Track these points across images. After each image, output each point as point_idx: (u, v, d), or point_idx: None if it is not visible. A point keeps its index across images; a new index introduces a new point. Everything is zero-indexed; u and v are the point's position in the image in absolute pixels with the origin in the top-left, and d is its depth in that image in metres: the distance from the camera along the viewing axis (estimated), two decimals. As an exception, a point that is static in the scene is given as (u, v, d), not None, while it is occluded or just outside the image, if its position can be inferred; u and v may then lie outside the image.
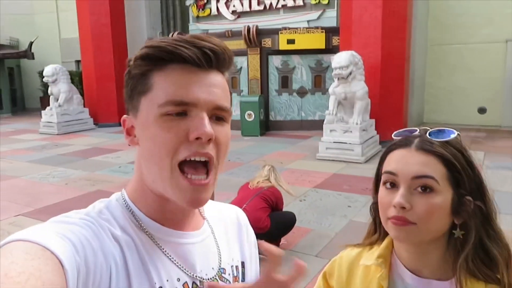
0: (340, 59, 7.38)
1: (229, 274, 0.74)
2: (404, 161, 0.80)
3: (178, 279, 0.66)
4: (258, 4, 12.14)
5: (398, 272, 0.88)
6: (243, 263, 0.79)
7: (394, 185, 0.81)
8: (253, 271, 0.82)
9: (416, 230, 0.78)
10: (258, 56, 10.94)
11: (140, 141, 0.65)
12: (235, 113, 11.26)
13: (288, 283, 0.57)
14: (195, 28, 13.26)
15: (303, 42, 10.49)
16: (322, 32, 10.44)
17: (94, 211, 0.65)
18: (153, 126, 0.61)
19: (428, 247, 0.83)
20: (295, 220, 3.86)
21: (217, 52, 0.63)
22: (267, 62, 11.07)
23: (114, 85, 12.33)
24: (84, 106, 12.57)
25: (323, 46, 10.45)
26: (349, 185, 5.81)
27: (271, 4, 11.94)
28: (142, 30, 13.71)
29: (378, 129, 8.28)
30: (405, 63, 9.09)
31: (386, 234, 0.90)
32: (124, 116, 0.69)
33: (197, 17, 13.19)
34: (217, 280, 0.71)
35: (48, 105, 12.01)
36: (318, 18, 11.39)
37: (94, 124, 12.51)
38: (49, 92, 12.02)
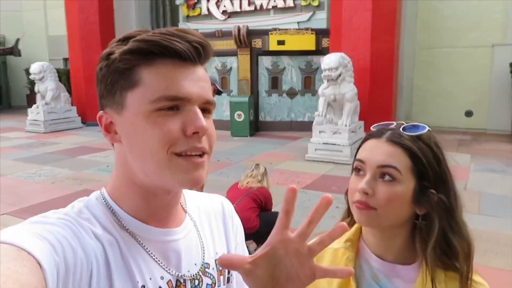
0: (329, 61, 7.41)
1: (213, 269, 0.73)
2: (373, 151, 0.86)
3: (162, 277, 0.65)
4: (249, 4, 12.13)
5: (365, 256, 0.92)
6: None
7: (362, 172, 0.87)
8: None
9: (376, 215, 0.83)
10: (248, 56, 10.94)
11: (127, 137, 0.63)
12: (225, 113, 11.25)
13: (302, 238, 0.59)
14: (185, 27, 13.15)
15: (293, 43, 10.52)
16: (312, 33, 10.48)
17: (73, 210, 0.64)
18: (145, 122, 0.60)
19: (392, 233, 0.88)
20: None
21: (205, 46, 0.63)
22: (257, 63, 11.07)
23: (103, 83, 12.16)
24: (72, 105, 12.42)
25: (313, 48, 10.49)
26: (337, 186, 5.84)
27: (261, 5, 11.95)
28: (131, 29, 12.93)
29: (367, 130, 8.27)
30: (394, 66, 9.18)
31: None
32: (101, 112, 0.66)
33: (187, 16, 13.13)
34: (200, 276, 0.70)
35: (35, 103, 11.84)
36: (308, 19, 11.43)
37: (82, 122, 12.37)
38: (35, 89, 11.84)
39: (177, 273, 0.67)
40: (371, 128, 0.93)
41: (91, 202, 0.66)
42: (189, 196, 0.79)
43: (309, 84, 11.03)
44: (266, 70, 11.11)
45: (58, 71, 12.48)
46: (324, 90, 7.69)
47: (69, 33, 12.89)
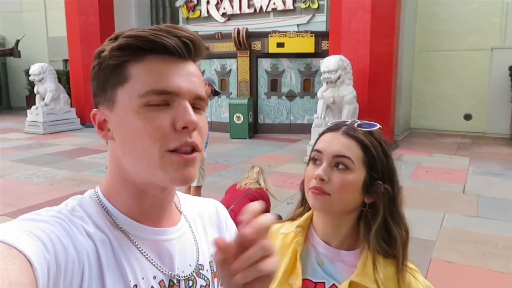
0: (329, 63, 7.43)
1: (207, 270, 0.73)
2: (330, 142, 0.95)
3: (154, 277, 0.65)
4: (248, 7, 12.16)
5: (312, 242, 1.00)
6: None
7: (318, 161, 0.95)
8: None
9: (329, 200, 0.91)
10: (248, 58, 10.95)
11: (118, 133, 0.63)
12: (224, 116, 11.25)
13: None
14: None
15: (293, 45, 10.54)
16: (312, 36, 10.50)
17: (66, 208, 0.63)
18: (135, 118, 0.60)
19: (341, 219, 0.96)
20: (282, 222, 3.86)
21: (195, 42, 0.63)
22: (257, 65, 11.08)
23: (102, 85, 12.19)
24: (71, 106, 12.41)
25: (312, 50, 10.51)
26: (336, 188, 5.82)
27: (261, 7, 11.98)
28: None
29: (365, 133, 8.32)
30: (393, 69, 9.19)
31: (309, 208, 1.02)
32: (94, 110, 0.66)
33: (187, 18, 13.16)
34: (194, 277, 0.70)
35: (34, 104, 11.84)
36: (308, 22, 11.46)
37: (81, 124, 12.36)
38: (35, 91, 11.84)
39: (170, 272, 0.66)
40: (328, 123, 1.03)
41: (85, 200, 0.66)
42: (184, 199, 0.79)
43: (308, 86, 11.04)
44: (266, 72, 11.13)
45: (58, 72, 12.48)
46: (323, 92, 7.70)
47: (69, 34, 12.90)
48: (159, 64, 0.61)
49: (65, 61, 16.00)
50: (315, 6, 11.34)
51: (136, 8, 13.92)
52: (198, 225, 0.77)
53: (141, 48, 0.60)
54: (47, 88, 11.56)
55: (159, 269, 0.66)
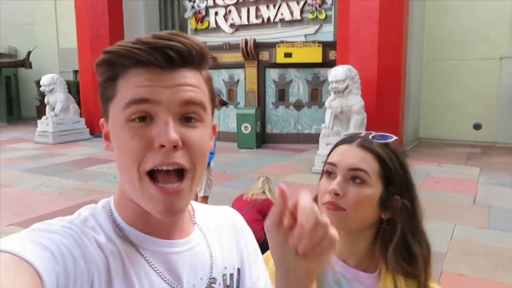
0: (336, 73, 7.43)
1: (219, 284, 0.70)
2: (344, 155, 0.91)
3: None
4: (256, 17, 12.25)
5: (330, 261, 0.94)
6: (239, 270, 0.75)
7: (333, 175, 0.91)
8: (252, 276, 0.77)
9: (345, 216, 0.87)
10: (256, 69, 11.01)
11: (114, 148, 0.63)
12: (232, 125, 11.28)
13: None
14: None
15: (300, 55, 10.57)
16: (319, 46, 10.53)
17: (78, 218, 0.63)
18: (119, 134, 0.59)
19: (357, 236, 0.91)
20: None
21: (179, 50, 0.58)
22: (264, 75, 11.12)
23: (111, 95, 12.34)
24: (81, 116, 12.54)
25: (320, 60, 10.53)
26: (344, 199, 5.78)
27: (269, 18, 12.06)
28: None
29: (374, 143, 8.28)
30: (401, 79, 9.16)
31: None
32: (102, 120, 0.66)
33: (196, 29, 13.28)
34: None
35: (44, 114, 11.98)
36: (316, 32, 11.50)
37: (90, 134, 12.47)
38: (45, 101, 12.00)
39: (179, 286, 0.65)
40: (342, 135, 0.98)
41: (97, 210, 0.66)
42: (198, 209, 0.77)
43: (316, 96, 11.05)
44: (273, 82, 11.16)
45: (68, 83, 12.65)
46: (331, 102, 7.69)
47: (80, 46, 13.10)
48: (142, 76, 0.58)
49: (75, 72, 16.22)
50: (323, 16, 11.39)
51: (145, 20, 14.10)
52: (213, 236, 0.74)
53: (121, 63, 0.59)
54: (57, 98, 11.71)
55: (168, 283, 0.64)
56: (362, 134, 0.95)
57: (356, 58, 8.67)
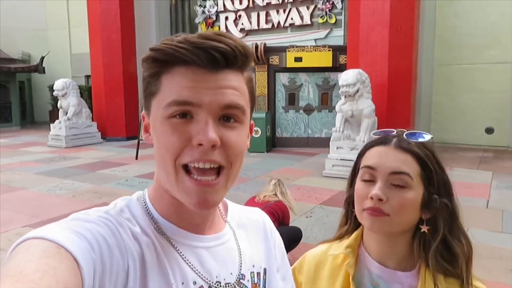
0: (347, 77, 7.43)
1: (248, 281, 0.72)
2: (383, 157, 0.87)
3: (194, 283, 0.65)
4: (266, 22, 12.32)
5: (365, 262, 0.93)
6: (265, 270, 0.76)
7: (371, 179, 0.87)
8: (279, 279, 0.79)
9: (389, 221, 0.84)
10: (266, 73, 11.06)
11: (153, 140, 0.65)
12: (242, 129, 11.31)
13: None
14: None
15: (310, 60, 10.59)
16: (329, 50, 10.55)
17: (114, 209, 0.65)
18: (159, 128, 0.61)
19: (397, 239, 0.89)
20: (301, 235, 3.84)
21: (224, 52, 0.59)
22: (274, 79, 11.17)
23: (123, 99, 12.50)
24: (93, 120, 12.69)
25: (330, 64, 10.54)
26: (355, 202, 5.76)
27: (279, 22, 12.12)
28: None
29: (385, 147, 8.25)
30: (412, 82, 9.13)
31: (356, 226, 0.96)
32: (143, 112, 0.68)
33: (206, 34, 13.39)
34: (234, 285, 0.69)
35: (57, 118, 12.15)
36: (326, 36, 11.53)
37: (102, 138, 12.61)
38: (58, 105, 12.17)
39: (210, 279, 0.66)
40: (372, 134, 0.95)
41: (133, 202, 0.68)
42: (231, 208, 0.79)
43: (326, 100, 11.05)
44: (283, 86, 11.19)
45: (80, 87, 12.83)
46: (342, 106, 7.69)
47: (92, 51, 13.28)
48: (186, 76, 0.60)
49: (87, 76, 16.43)
50: (333, 21, 11.41)
51: (156, 25, 14.27)
52: (242, 234, 0.76)
53: (166, 60, 0.61)
54: (70, 103, 11.88)
55: (199, 275, 0.66)
56: (395, 133, 0.91)
57: (366, 62, 8.67)
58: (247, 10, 12.55)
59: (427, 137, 0.89)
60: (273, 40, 11.72)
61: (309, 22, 11.73)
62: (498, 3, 10.56)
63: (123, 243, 0.59)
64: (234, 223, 0.76)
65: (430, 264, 0.84)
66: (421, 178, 0.85)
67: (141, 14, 13.48)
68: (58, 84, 11.70)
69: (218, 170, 0.61)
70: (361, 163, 0.92)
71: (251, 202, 3.86)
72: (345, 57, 10.13)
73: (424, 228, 0.87)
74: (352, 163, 0.94)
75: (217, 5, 13.06)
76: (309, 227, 4.76)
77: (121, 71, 12.55)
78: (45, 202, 6.00)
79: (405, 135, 0.89)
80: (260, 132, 10.40)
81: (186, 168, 0.60)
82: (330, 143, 7.79)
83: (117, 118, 12.59)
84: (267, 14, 12.29)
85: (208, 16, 13.28)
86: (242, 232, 0.76)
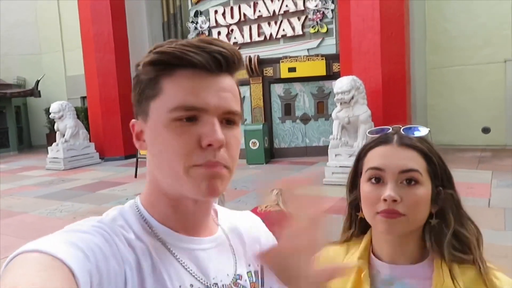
0: (341, 84, 7.49)
1: (245, 280, 0.73)
2: (389, 157, 0.85)
3: (191, 285, 0.65)
4: (259, 35, 12.44)
5: (376, 268, 0.91)
6: (262, 268, 0.77)
7: (379, 180, 0.85)
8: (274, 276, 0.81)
9: (406, 221, 0.83)
10: (261, 85, 11.12)
11: (151, 145, 0.65)
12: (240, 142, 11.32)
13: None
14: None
15: (304, 69, 10.67)
16: (322, 59, 10.63)
17: (107, 218, 0.66)
18: (164, 131, 0.61)
19: (409, 237, 0.87)
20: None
21: (226, 56, 0.62)
22: (270, 91, 11.23)
23: (119, 119, 12.50)
24: (90, 141, 12.69)
25: (324, 73, 10.62)
26: (357, 208, 5.75)
27: (271, 34, 12.24)
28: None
29: (383, 152, 8.27)
30: (406, 86, 9.20)
31: (361, 230, 0.94)
32: (133, 120, 0.68)
33: (199, 50, 13.50)
34: (232, 286, 0.70)
35: (54, 141, 12.14)
36: (318, 46, 11.63)
37: (100, 158, 12.59)
38: (55, 128, 12.18)
39: (206, 281, 0.67)
40: (368, 134, 0.94)
41: (125, 210, 0.68)
42: (221, 212, 0.80)
43: (322, 109, 11.10)
44: (279, 97, 11.25)
45: (76, 109, 12.84)
46: (338, 113, 7.72)
47: (87, 72, 13.36)
48: (189, 79, 0.61)
49: (83, 98, 16.49)
50: (324, 30, 11.53)
51: (150, 43, 14.35)
52: (235, 236, 0.77)
53: (170, 63, 0.61)
54: (67, 124, 11.88)
55: (196, 278, 0.66)
56: (391, 130, 0.90)
57: (359, 69, 8.75)
58: (239, 24, 12.68)
59: (424, 130, 0.89)
60: (266, 52, 11.82)
61: (301, 33, 11.84)
62: (485, 4, 10.72)
63: (119, 252, 0.59)
64: (226, 226, 0.77)
65: (446, 256, 0.83)
66: (428, 173, 0.85)
67: (134, 33, 13.60)
68: (54, 107, 11.72)
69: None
70: (363, 165, 0.90)
71: (253, 213, 3.85)
72: (338, 65, 10.21)
73: (434, 222, 0.86)
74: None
75: (209, 21, 13.20)
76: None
77: (116, 91, 12.59)
78: (46, 225, 5.96)
79: (403, 130, 0.88)
80: (258, 144, 10.41)
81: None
82: (329, 150, 7.80)
83: (115, 137, 12.58)
84: (259, 27, 12.42)
85: (200, 32, 13.40)
86: (234, 234, 0.77)
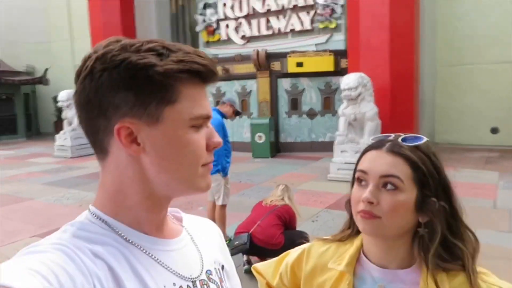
0: (349, 81, 7.46)
1: (215, 275, 0.77)
2: (375, 161, 0.89)
3: (174, 284, 0.66)
4: (267, 29, 12.38)
5: (368, 269, 0.94)
6: (223, 267, 0.82)
7: (364, 183, 0.89)
8: (233, 275, 0.86)
9: (381, 224, 0.86)
10: (268, 79, 11.10)
11: (157, 150, 0.63)
12: (246, 135, 11.35)
13: None
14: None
15: (312, 65, 10.63)
16: (331, 55, 10.59)
17: (66, 235, 0.62)
18: (184, 137, 0.65)
19: (395, 243, 0.90)
20: (308, 240, 3.85)
21: (216, 69, 0.69)
22: (277, 85, 11.21)
23: (126, 109, 12.52)
24: (97, 130, 12.73)
25: (331, 69, 10.57)
26: (361, 205, 5.76)
27: (279, 28, 12.18)
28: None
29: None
30: (414, 84, 9.15)
31: (358, 231, 0.97)
32: (120, 123, 0.62)
33: (207, 42, 13.48)
34: (207, 281, 0.73)
35: (62, 129, 12.24)
36: (326, 41, 11.56)
37: (106, 147, 12.65)
38: (63, 116, 12.27)
39: (187, 278, 0.69)
40: (370, 139, 0.97)
41: (84, 223, 0.65)
42: (183, 215, 0.84)
43: (328, 104, 11.07)
44: (286, 92, 11.23)
45: (84, 98, 12.89)
46: (344, 110, 7.71)
47: (95, 62, 13.37)
48: (197, 89, 0.66)
49: (91, 87, 16.53)
50: (333, 25, 11.46)
51: (157, 34, 14.37)
52: (198, 236, 0.80)
53: (196, 72, 0.64)
54: (75, 113, 11.94)
55: (177, 275, 0.68)
56: (392, 137, 0.92)
57: (367, 66, 8.70)
58: (247, 17, 12.63)
59: (421, 140, 0.89)
60: (274, 46, 11.78)
61: (309, 28, 11.77)
62: (497, 3, 10.59)
63: (85, 266, 0.57)
64: (189, 228, 0.80)
65: (430, 266, 0.85)
66: (414, 181, 0.86)
67: (143, 24, 13.61)
68: (62, 95, 11.80)
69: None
70: (357, 166, 0.94)
71: (258, 207, 3.88)
72: (346, 61, 10.16)
73: (423, 231, 0.88)
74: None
75: (217, 13, 13.15)
76: (315, 231, 4.76)
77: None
78: (52, 212, 6.04)
79: (401, 139, 0.90)
80: (263, 138, 10.43)
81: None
82: (334, 146, 7.80)
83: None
84: (268, 21, 12.36)
85: (208, 24, 13.37)
86: (197, 234, 0.80)
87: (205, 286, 0.72)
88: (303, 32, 11.91)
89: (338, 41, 11.37)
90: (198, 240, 0.78)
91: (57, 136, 12.16)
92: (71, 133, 11.79)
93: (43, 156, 12.02)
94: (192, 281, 0.70)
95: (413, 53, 9.00)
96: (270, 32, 12.34)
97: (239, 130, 11.62)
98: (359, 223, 0.89)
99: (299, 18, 11.89)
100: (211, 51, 13.34)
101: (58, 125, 15.24)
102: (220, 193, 4.41)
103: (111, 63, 0.61)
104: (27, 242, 4.73)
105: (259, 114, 11.24)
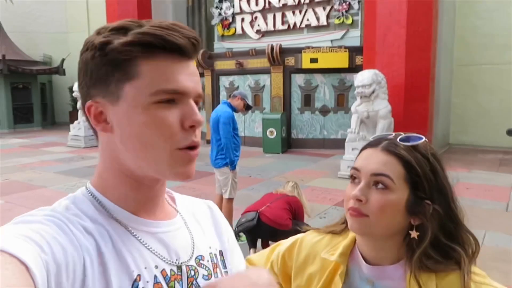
0: (363, 78, 7.37)
1: (207, 261, 0.74)
2: (368, 159, 0.88)
3: (156, 266, 0.65)
4: (282, 23, 12.33)
5: (358, 262, 0.93)
6: (221, 252, 0.79)
7: (357, 180, 0.88)
8: (235, 259, 0.82)
9: (368, 222, 0.84)
10: (281, 74, 11.05)
11: (121, 128, 0.63)
12: (257, 130, 11.34)
13: None
14: (220, 46, 13.57)
15: (326, 61, 10.54)
16: (346, 51, 10.48)
17: (60, 207, 0.63)
18: (144, 114, 0.61)
19: (385, 243, 0.88)
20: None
21: (199, 42, 0.64)
22: (290, 80, 11.15)
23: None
24: (111, 121, 12.88)
25: (346, 65, 10.47)
26: (370, 204, 5.72)
27: (295, 23, 12.11)
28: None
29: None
30: (430, 83, 9.00)
31: None
32: (90, 101, 0.64)
33: (222, 36, 13.49)
34: (195, 267, 0.71)
35: (77, 119, 12.41)
36: (342, 37, 11.46)
37: (119, 138, 12.79)
38: (78, 106, 12.44)
39: (172, 262, 0.68)
40: (370, 138, 0.95)
41: (78, 197, 0.66)
42: (179, 198, 0.81)
43: (342, 101, 10.98)
44: (299, 87, 11.16)
45: (99, 88, 13.05)
46: (357, 107, 7.63)
47: (110, 53, 13.51)
48: (168, 63, 0.62)
49: (106, 78, 16.71)
50: (349, 21, 11.34)
51: (173, 27, 14.44)
52: (193, 221, 0.78)
53: (152, 45, 0.60)
54: (89, 103, 12.10)
55: (161, 258, 0.66)
56: (390, 137, 0.90)
57: (383, 63, 8.58)
58: (263, 11, 12.58)
59: (419, 140, 0.87)
60: (289, 41, 11.71)
61: (325, 23, 11.68)
62: (520, 2, 10.33)
63: (76, 239, 0.58)
64: (184, 211, 0.78)
65: (413, 268, 0.83)
66: (406, 182, 0.84)
67: (159, 16, 13.65)
68: (77, 85, 11.94)
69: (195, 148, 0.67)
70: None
71: (268, 194, 3.93)
72: (361, 58, 10.04)
73: (414, 234, 0.85)
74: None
75: (233, 7, 13.13)
76: (331, 224, 4.74)
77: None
78: (63, 200, 6.12)
79: (399, 138, 0.88)
80: (275, 133, 10.40)
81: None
82: (346, 144, 7.74)
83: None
84: (283, 15, 12.30)
85: (224, 18, 13.37)
86: (192, 218, 0.78)
87: (192, 272, 0.70)
88: (318, 28, 11.83)
89: (354, 37, 11.25)
90: (192, 225, 0.77)
91: (71, 126, 12.33)
92: (85, 123, 11.90)
93: (57, 146, 12.21)
94: (178, 266, 0.68)
95: (430, 51, 8.84)
96: (285, 27, 12.29)
97: (251, 124, 11.61)
98: (348, 220, 0.88)
99: (315, 13, 11.81)
100: (226, 45, 13.34)
101: (73, 115, 15.46)
102: (227, 187, 4.41)
103: (83, 49, 0.66)
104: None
105: (272, 109, 11.20)
